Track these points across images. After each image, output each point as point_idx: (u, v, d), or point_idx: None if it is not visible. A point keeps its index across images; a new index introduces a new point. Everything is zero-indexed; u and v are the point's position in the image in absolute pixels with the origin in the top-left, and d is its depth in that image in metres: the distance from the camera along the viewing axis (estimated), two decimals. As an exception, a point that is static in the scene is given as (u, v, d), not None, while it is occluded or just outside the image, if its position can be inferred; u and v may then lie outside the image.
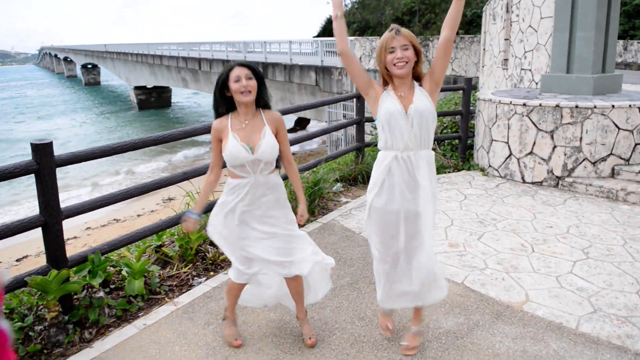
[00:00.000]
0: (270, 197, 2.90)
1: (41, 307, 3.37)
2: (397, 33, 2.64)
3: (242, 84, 2.73)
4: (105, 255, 3.84)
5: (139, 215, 14.70)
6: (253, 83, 2.76)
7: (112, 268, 3.99)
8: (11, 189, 18.58)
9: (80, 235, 13.21)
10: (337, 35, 2.77)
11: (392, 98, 2.70)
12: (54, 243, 3.32)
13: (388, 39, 2.64)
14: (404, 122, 2.66)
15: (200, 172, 4.48)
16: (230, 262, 4.02)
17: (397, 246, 2.82)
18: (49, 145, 3.19)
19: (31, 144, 3.17)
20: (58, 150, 3.28)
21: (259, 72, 2.82)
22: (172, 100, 48.83)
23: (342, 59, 2.76)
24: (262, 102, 2.89)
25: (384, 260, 2.87)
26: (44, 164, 3.17)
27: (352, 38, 19.69)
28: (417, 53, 2.67)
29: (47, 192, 3.22)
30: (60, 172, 3.91)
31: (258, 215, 2.90)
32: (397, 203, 2.75)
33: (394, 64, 2.63)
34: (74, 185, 19.56)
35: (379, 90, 2.76)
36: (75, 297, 3.52)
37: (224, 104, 2.84)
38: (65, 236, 10.78)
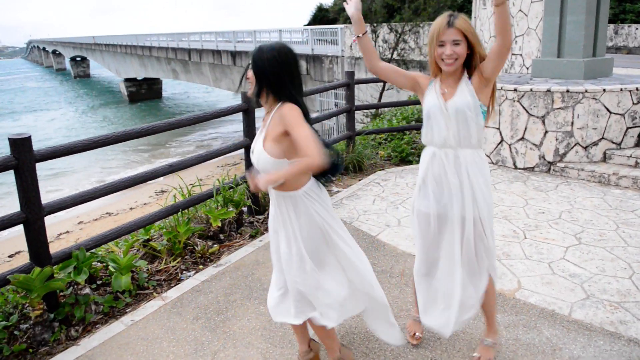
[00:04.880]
0: None
1: (26, 305, 3.30)
2: (449, 25, 2.38)
3: None
4: (92, 251, 3.77)
5: (131, 209, 14.59)
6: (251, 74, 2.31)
7: (99, 264, 3.92)
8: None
9: (73, 229, 13.11)
10: (363, 53, 2.61)
11: (435, 92, 2.54)
12: (37, 240, 3.25)
13: (440, 30, 2.40)
14: (441, 117, 2.49)
15: (186, 164, 4.41)
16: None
17: (436, 253, 2.68)
18: (28, 139, 3.10)
19: (9, 139, 3.08)
20: (45, 145, 3.19)
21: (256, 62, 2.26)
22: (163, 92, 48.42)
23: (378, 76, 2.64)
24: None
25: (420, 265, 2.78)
26: (23, 159, 3.08)
27: (343, 26, 19.51)
28: (472, 46, 2.42)
29: (28, 188, 3.14)
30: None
31: None
32: (432, 206, 2.61)
33: (442, 59, 2.42)
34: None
35: (425, 83, 2.60)
36: (61, 294, 3.45)
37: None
38: (57, 230, 10.58)
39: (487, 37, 10.79)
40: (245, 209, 5.02)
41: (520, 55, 9.01)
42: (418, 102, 7.54)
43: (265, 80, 2.24)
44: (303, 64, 20.42)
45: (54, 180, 17.93)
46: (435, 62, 2.49)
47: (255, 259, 4.21)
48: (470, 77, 2.49)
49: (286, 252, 2.43)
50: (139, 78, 45.69)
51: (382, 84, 14.19)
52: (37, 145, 3.28)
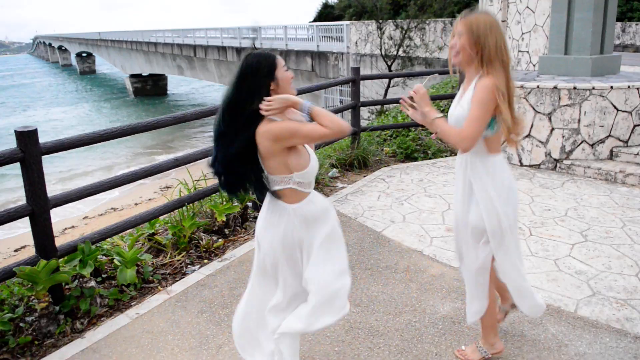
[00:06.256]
0: None
1: (32, 297, 3.32)
2: (461, 17, 2.38)
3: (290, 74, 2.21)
4: (97, 244, 3.78)
5: (136, 204, 14.64)
6: None
7: (104, 257, 3.93)
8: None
9: (78, 224, 13.17)
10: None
11: (459, 91, 2.54)
12: (43, 232, 3.26)
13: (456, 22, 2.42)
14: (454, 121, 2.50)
15: (191, 158, 4.41)
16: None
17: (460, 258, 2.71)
18: (34, 132, 3.11)
19: (15, 132, 3.09)
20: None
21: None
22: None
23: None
24: None
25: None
26: (29, 152, 3.09)
27: (348, 22, 19.49)
28: (476, 42, 2.32)
29: (34, 180, 3.14)
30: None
31: None
32: (456, 208, 2.64)
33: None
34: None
35: None
36: (66, 287, 3.46)
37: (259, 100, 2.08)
38: (63, 226, 10.62)
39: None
40: (250, 204, 5.02)
41: (527, 52, 8.96)
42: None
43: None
44: (308, 60, 20.41)
45: (56, 184, 17.80)
46: None
47: (259, 253, 4.20)
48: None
49: None
50: (144, 74, 45.74)
51: (387, 80, 14.16)
52: (42, 140, 3.28)
